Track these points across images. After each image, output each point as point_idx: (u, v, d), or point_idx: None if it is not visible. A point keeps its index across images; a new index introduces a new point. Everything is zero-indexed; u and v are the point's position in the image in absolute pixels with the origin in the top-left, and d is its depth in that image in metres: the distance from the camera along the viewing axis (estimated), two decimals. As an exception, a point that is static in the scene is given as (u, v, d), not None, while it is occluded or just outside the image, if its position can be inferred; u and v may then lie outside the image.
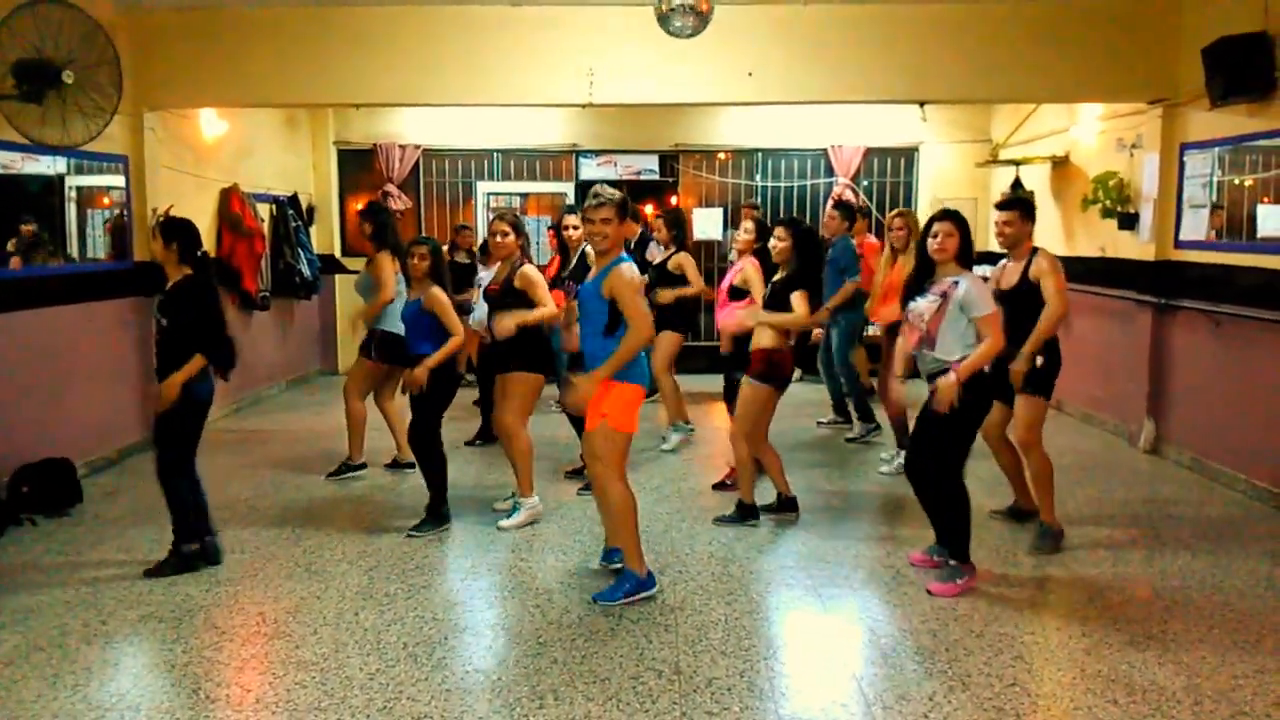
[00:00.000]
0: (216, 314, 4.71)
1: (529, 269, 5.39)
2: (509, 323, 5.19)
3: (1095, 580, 4.64)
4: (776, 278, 5.36)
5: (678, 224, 7.11)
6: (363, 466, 6.44)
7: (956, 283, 4.39)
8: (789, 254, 5.27)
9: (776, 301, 5.26)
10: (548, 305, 5.29)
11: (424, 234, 10.40)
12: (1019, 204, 5.22)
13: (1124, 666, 3.73)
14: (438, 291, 5.31)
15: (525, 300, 5.29)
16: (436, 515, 5.33)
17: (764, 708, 3.43)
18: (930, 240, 4.48)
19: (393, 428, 6.47)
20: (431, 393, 5.29)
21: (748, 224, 6.02)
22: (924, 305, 4.45)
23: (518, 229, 5.42)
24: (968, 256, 4.50)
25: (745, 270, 5.83)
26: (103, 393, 6.56)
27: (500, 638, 4.01)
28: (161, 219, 4.92)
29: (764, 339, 5.28)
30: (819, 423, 7.93)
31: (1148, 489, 6.24)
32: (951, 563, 4.53)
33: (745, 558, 4.91)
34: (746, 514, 5.41)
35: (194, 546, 4.73)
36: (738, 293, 5.85)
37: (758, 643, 3.95)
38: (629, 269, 4.27)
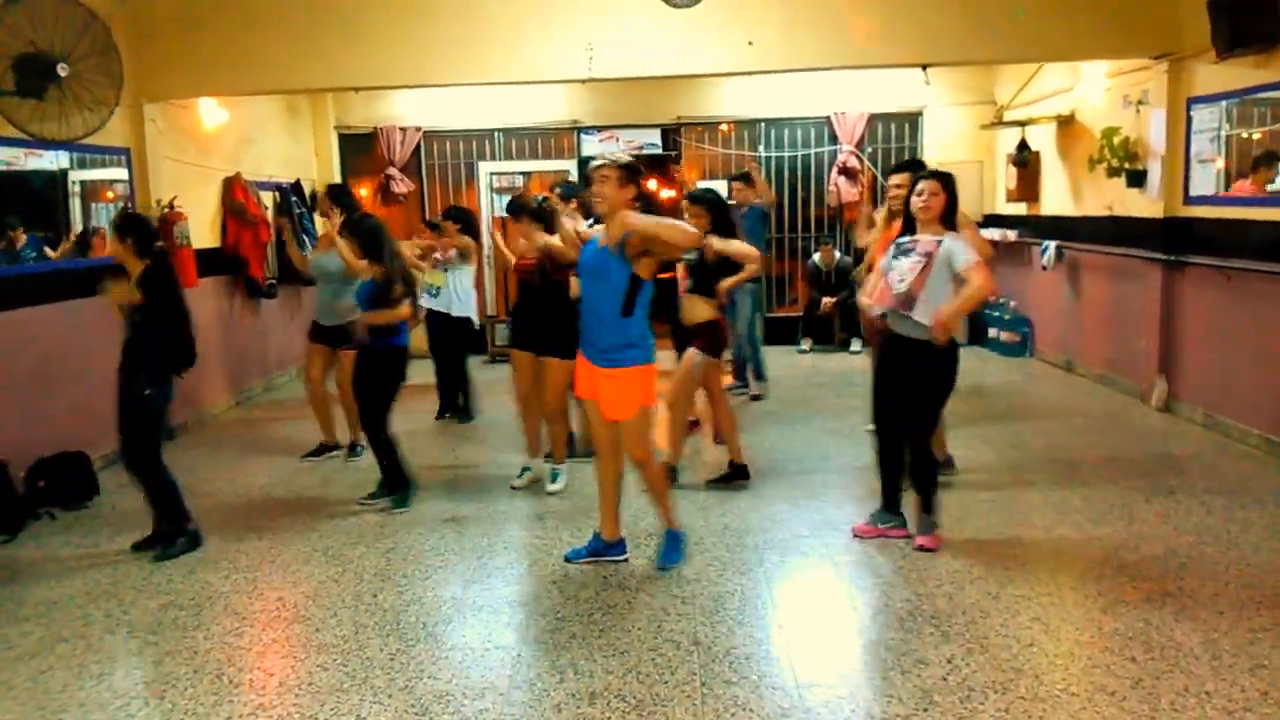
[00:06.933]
0: (181, 306, 4.80)
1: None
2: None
3: (1110, 539, 4.64)
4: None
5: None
6: (338, 446, 6.60)
7: (940, 242, 4.40)
8: (708, 227, 5.36)
9: (707, 273, 5.42)
10: None
11: (425, 216, 10.43)
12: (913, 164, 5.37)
13: (1141, 624, 3.74)
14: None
15: None
16: (403, 483, 5.47)
17: (782, 675, 3.45)
18: (915, 199, 4.49)
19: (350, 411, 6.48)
20: (381, 378, 5.41)
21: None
22: (907, 265, 4.44)
23: None
24: (952, 218, 4.52)
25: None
26: (116, 386, 6.55)
27: (519, 614, 4.04)
28: (120, 217, 4.92)
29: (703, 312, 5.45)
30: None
31: (1161, 446, 6.22)
32: (926, 515, 4.61)
33: (759, 528, 4.92)
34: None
35: (191, 526, 4.91)
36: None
37: (774, 612, 3.97)
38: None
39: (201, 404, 7.74)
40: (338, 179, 10.60)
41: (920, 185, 4.50)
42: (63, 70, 5.76)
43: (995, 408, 7.46)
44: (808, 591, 4.24)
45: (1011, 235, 9.70)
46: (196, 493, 5.84)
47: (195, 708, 3.36)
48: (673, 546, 4.48)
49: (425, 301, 7.16)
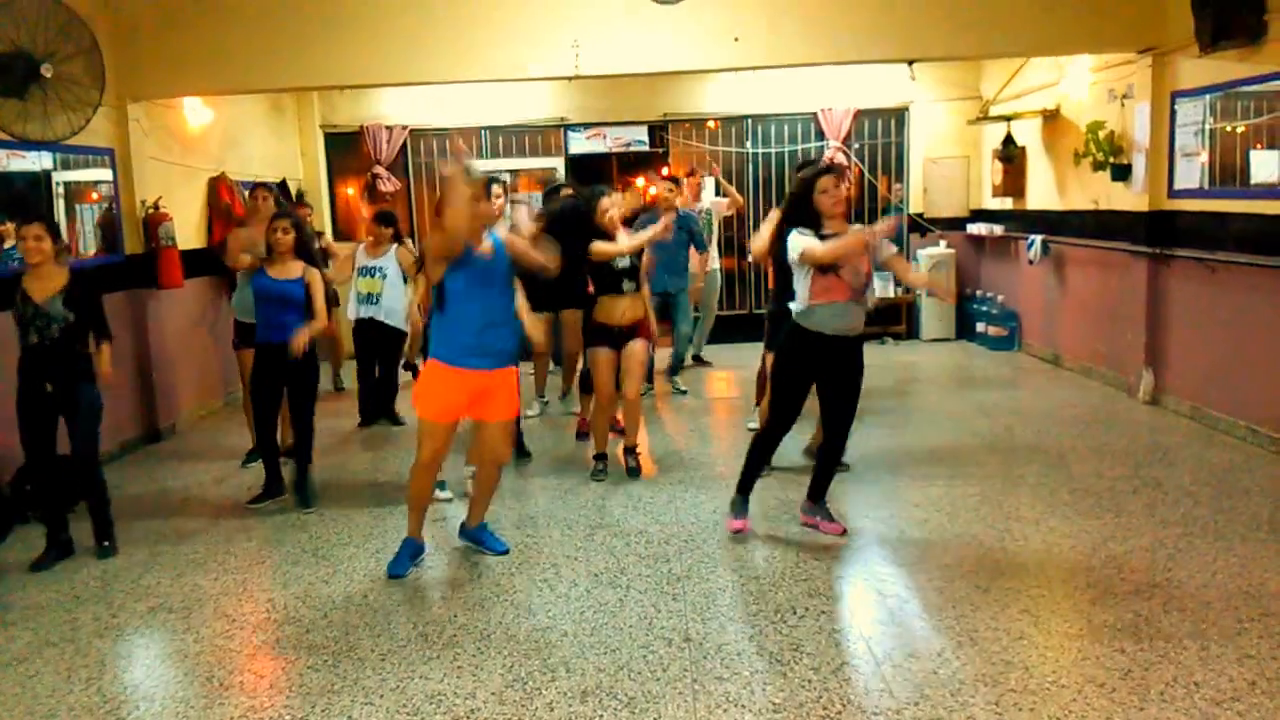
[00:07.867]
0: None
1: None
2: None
3: (1098, 531, 4.67)
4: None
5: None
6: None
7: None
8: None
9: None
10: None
11: (413, 216, 10.42)
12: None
13: (1130, 615, 3.76)
14: (317, 273, 5.44)
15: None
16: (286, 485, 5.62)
17: (774, 670, 3.45)
18: (823, 197, 4.49)
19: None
20: (309, 380, 5.56)
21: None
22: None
23: None
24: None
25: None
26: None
27: (510, 613, 4.03)
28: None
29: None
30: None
31: (1148, 439, 6.26)
32: (825, 503, 4.85)
33: (750, 524, 4.92)
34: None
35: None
36: None
37: (765, 607, 3.98)
38: None
39: (187, 406, 7.70)
40: (324, 178, 10.58)
41: (825, 181, 4.50)
42: (46, 70, 5.72)
43: (983, 401, 7.49)
44: (798, 587, 4.25)
45: (998, 230, 9.74)
46: (185, 495, 5.83)
47: (186, 711, 3.34)
48: (401, 554, 4.53)
49: (357, 310, 6.94)
